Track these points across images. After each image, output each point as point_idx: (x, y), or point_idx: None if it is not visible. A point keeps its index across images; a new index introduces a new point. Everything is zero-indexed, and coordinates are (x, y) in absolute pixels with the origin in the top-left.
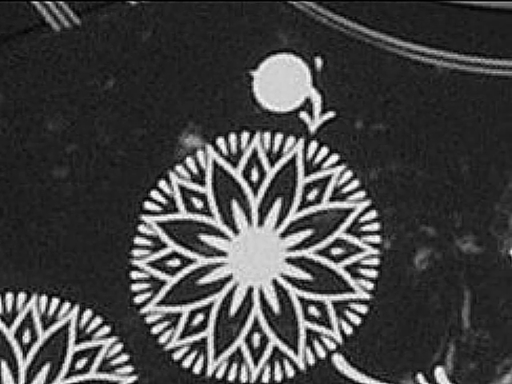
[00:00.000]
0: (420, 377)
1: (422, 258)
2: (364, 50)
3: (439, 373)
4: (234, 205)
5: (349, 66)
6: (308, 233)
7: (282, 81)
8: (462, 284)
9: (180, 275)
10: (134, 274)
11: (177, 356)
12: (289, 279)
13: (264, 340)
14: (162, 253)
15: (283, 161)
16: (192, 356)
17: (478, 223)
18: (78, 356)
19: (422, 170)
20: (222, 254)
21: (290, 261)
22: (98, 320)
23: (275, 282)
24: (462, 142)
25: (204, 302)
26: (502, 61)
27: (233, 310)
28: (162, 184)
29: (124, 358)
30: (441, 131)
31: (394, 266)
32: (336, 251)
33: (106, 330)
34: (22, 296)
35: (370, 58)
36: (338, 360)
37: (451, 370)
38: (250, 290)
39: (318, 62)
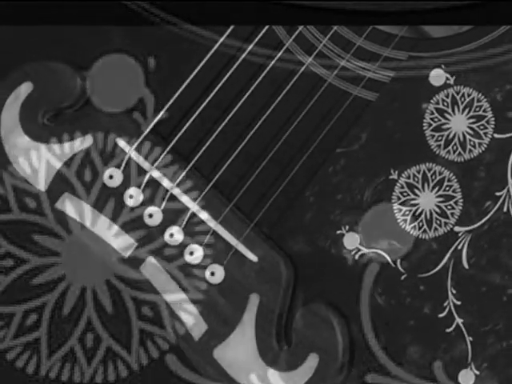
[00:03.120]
0: (253, 377)
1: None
2: (197, 49)
3: (272, 373)
4: (68, 205)
5: (182, 65)
6: (141, 233)
7: (115, 81)
8: (295, 284)
9: (13, 275)
10: None
11: (10, 356)
12: (122, 279)
13: (97, 340)
14: None
15: (116, 161)
16: (25, 356)
17: (310, 223)
18: None
19: (256, 170)
20: (55, 253)
21: (123, 261)
22: None
23: (108, 282)
24: (295, 141)
25: (37, 302)
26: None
27: (66, 309)
28: None
29: None
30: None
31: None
32: (169, 251)
33: None
34: None
35: (203, 58)
36: (171, 360)
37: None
38: (83, 290)
39: (151, 61)
